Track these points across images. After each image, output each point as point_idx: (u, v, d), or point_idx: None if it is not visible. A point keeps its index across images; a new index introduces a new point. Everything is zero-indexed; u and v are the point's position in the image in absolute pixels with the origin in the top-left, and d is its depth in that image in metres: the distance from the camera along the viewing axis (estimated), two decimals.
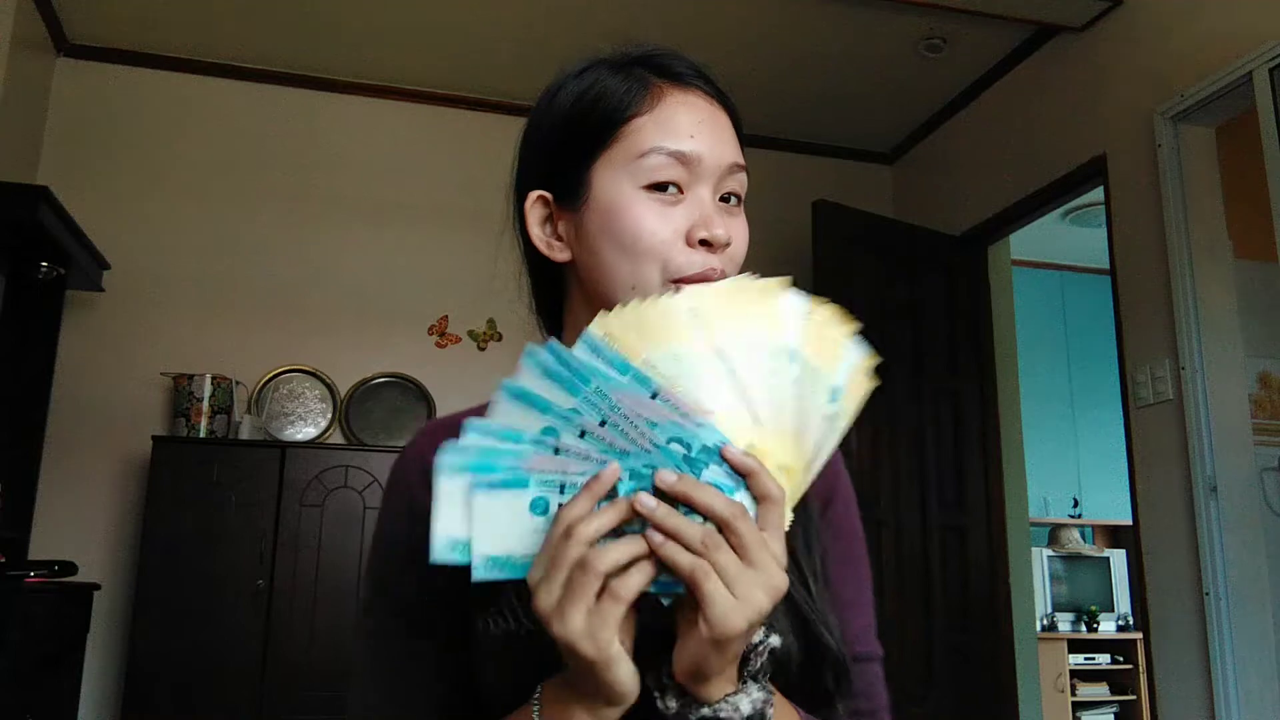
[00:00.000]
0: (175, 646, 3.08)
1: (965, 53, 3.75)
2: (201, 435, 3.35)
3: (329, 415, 3.71)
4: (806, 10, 3.50)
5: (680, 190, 0.75)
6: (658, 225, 0.74)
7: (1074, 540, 5.31)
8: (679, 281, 0.74)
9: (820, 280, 3.61)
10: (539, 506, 0.57)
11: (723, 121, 0.78)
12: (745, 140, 0.82)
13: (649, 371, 0.57)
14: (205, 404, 3.38)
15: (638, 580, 0.55)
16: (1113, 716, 5.07)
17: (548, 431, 0.57)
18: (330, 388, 3.74)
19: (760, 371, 0.59)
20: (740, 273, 0.78)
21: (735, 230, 0.77)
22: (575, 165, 0.77)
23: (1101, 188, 3.25)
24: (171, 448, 3.25)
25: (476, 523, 0.56)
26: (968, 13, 3.31)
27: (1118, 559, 5.25)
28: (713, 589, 0.54)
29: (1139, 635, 4.79)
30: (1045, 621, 5.01)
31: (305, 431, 3.68)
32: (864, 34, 3.64)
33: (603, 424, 0.57)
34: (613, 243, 0.75)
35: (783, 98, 4.03)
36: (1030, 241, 4.60)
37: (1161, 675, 2.92)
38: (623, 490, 0.56)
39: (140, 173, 3.73)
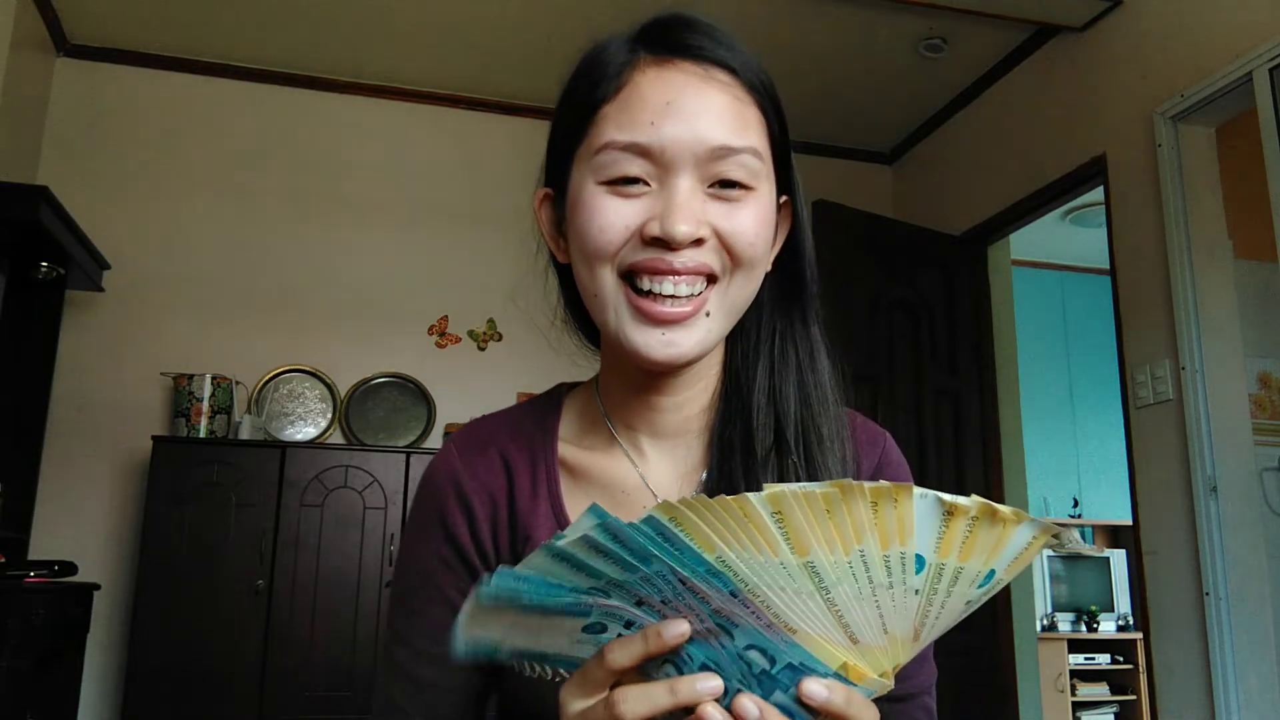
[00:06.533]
0: (175, 646, 3.08)
1: (965, 53, 3.75)
2: (201, 435, 3.35)
3: (329, 415, 3.71)
4: (806, 10, 3.50)
5: (648, 183, 0.65)
6: (608, 222, 0.65)
7: (1074, 540, 5.31)
8: (630, 272, 0.65)
9: (820, 281, 3.60)
10: (595, 628, 0.51)
11: (711, 96, 0.67)
12: (774, 124, 0.70)
13: (725, 570, 0.47)
14: (205, 404, 3.38)
15: None
16: (1113, 716, 5.06)
17: (594, 591, 0.50)
18: (330, 388, 3.74)
19: (864, 591, 0.48)
20: (752, 269, 0.69)
21: (732, 222, 0.66)
22: (563, 161, 0.71)
23: (1101, 188, 3.25)
24: (171, 448, 3.25)
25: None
26: (968, 13, 3.31)
27: (1118, 559, 5.25)
28: None
29: (1139, 635, 4.79)
30: (1045, 621, 5.01)
31: (305, 431, 3.68)
32: (864, 34, 3.64)
33: (664, 603, 0.50)
34: (575, 244, 0.68)
35: (783, 98, 4.03)
36: (1030, 241, 4.61)
37: (1161, 675, 2.92)
38: (686, 671, 0.51)
39: (140, 173, 3.72)
